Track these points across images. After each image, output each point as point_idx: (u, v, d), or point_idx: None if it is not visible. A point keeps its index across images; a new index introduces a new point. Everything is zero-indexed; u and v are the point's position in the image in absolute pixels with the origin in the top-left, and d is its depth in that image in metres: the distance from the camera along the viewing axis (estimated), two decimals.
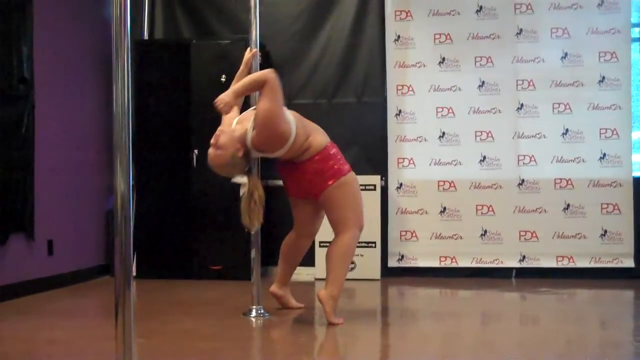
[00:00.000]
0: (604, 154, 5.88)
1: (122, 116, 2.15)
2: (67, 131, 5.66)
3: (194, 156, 5.95)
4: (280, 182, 6.25)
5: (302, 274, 6.10)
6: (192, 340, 3.74)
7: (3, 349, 3.65)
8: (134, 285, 3.19)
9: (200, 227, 5.98)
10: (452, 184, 6.03)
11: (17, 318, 4.43)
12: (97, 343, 3.71)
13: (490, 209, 5.98)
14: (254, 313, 4.32)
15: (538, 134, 5.96)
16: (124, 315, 2.12)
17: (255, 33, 4.42)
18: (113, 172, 2.11)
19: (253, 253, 4.38)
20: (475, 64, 6.04)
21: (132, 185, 2.19)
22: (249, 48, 4.47)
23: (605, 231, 5.85)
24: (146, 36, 6.47)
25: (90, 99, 6.04)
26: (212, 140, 4.09)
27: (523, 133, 5.98)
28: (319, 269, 5.93)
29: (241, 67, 4.47)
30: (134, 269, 5.47)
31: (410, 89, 6.12)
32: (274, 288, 4.55)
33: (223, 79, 5.87)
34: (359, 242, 5.82)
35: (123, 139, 2.15)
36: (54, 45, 5.45)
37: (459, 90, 6.06)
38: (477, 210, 5.99)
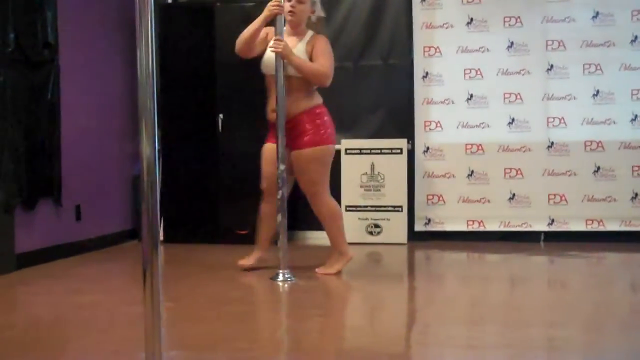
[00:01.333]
0: (636, 116, 5.76)
1: (147, 81, 2.12)
2: (92, 96, 5.65)
3: (219, 121, 5.93)
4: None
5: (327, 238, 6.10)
6: (220, 304, 3.75)
7: (34, 313, 3.70)
8: (161, 249, 3.17)
9: (226, 192, 5.97)
10: (480, 147, 5.96)
11: (47, 282, 4.48)
12: (124, 307, 3.74)
13: (519, 172, 5.90)
14: (280, 277, 4.32)
15: (568, 95, 5.85)
16: (151, 279, 2.11)
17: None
18: (139, 137, 2.09)
19: (279, 217, 4.37)
20: (504, 24, 5.92)
21: (158, 150, 2.16)
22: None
23: (636, 194, 5.76)
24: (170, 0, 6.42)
25: (115, 64, 6.02)
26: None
27: (553, 94, 5.87)
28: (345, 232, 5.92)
29: (263, 16, 4.37)
30: (160, 233, 5.52)
31: (438, 50, 6.03)
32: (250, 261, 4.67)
33: None
34: (384, 206, 5.80)
35: (148, 104, 2.12)
36: (77, 9, 5.42)
37: (487, 51, 5.95)
38: (505, 173, 5.92)
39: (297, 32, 4.49)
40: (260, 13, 4.45)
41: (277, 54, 4.29)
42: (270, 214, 4.53)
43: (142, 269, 2.13)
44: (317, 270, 4.55)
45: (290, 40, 4.42)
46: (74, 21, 5.34)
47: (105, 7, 5.88)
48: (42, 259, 4.95)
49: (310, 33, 4.51)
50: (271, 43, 4.34)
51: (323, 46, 4.46)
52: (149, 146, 2.11)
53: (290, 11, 4.41)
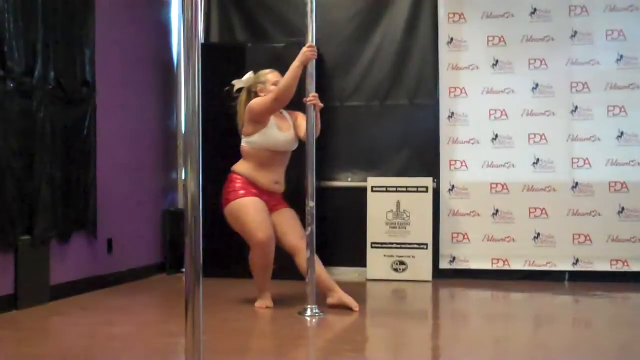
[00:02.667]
0: None
1: (193, 119, 2.22)
2: (126, 132, 5.81)
3: None
4: (334, 184, 6.37)
5: (353, 274, 6.17)
6: (249, 338, 3.83)
7: (66, 344, 3.79)
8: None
9: None
10: (505, 186, 6.02)
11: (79, 313, 4.58)
12: (155, 339, 3.83)
13: (543, 211, 5.95)
14: (308, 312, 4.39)
15: (592, 136, 5.91)
16: (193, 312, 2.20)
17: (311, 36, 4.48)
18: (184, 173, 2.19)
19: (308, 253, 4.45)
20: (529, 66, 6.02)
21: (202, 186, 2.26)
22: (306, 45, 4.47)
23: None
24: (202, 39, 6.60)
25: (149, 101, 6.20)
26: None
27: (577, 135, 5.94)
28: (370, 268, 6.00)
29: (299, 61, 4.45)
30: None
31: (463, 91, 6.13)
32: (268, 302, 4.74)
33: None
34: (410, 243, 5.87)
35: (193, 142, 2.22)
36: (114, 48, 5.61)
37: (512, 92, 6.05)
38: (529, 212, 5.97)
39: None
40: (289, 53, 4.58)
41: (315, 106, 4.52)
42: (270, 264, 4.68)
43: (185, 301, 2.22)
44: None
45: (281, 122, 4.73)
46: (110, 60, 5.52)
47: (141, 46, 6.07)
48: (75, 290, 5.06)
49: (283, 111, 4.80)
50: (309, 99, 4.49)
51: (301, 116, 4.76)
52: (194, 182, 2.22)
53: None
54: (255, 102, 4.61)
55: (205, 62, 2.25)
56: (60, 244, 4.95)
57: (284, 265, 5.58)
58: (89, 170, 5.20)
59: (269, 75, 4.75)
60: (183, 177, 5.59)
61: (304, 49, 4.43)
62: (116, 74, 5.65)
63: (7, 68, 4.39)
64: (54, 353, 3.60)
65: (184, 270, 4.84)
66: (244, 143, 4.73)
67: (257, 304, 4.71)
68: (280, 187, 4.76)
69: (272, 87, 4.63)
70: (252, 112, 4.61)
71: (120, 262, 5.67)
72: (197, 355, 2.19)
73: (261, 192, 4.66)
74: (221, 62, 6.22)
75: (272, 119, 4.65)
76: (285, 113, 4.79)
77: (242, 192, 4.63)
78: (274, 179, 4.70)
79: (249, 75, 4.79)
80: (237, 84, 4.81)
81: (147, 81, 6.19)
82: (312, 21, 4.49)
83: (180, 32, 6.37)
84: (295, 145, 4.76)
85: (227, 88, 4.84)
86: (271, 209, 4.69)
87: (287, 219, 4.73)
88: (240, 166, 4.73)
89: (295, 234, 4.64)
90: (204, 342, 3.61)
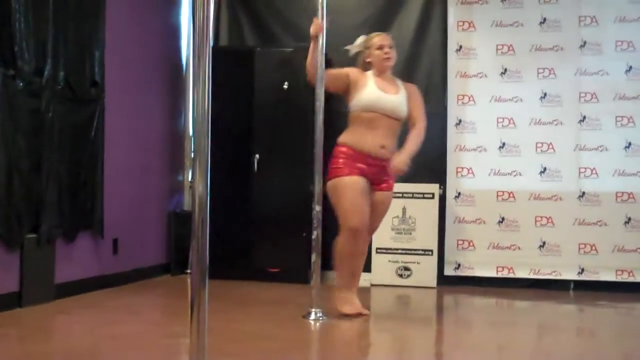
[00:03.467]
0: None
1: (202, 121, 2.23)
2: (134, 133, 5.83)
3: (255, 161, 6.07)
4: None
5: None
6: (252, 340, 3.83)
7: (69, 342, 3.81)
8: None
9: (259, 230, 6.08)
10: (512, 195, 6.02)
11: (84, 312, 4.60)
12: (159, 339, 3.84)
13: (550, 220, 5.95)
14: (313, 316, 4.39)
15: (600, 146, 5.91)
16: (199, 313, 2.20)
17: (321, 42, 4.50)
18: (192, 174, 2.20)
19: (313, 257, 4.45)
20: (538, 75, 6.02)
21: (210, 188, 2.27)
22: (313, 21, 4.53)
23: None
24: (212, 43, 6.61)
25: (157, 103, 6.22)
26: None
27: (585, 145, 5.93)
28: (375, 273, 6.00)
29: (312, 45, 4.53)
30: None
31: (471, 99, 6.14)
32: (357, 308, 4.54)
33: (285, 86, 6.00)
34: (415, 250, 5.86)
35: (202, 144, 2.24)
36: (123, 50, 5.63)
37: (521, 101, 6.05)
38: (536, 221, 5.96)
39: (386, 76, 4.64)
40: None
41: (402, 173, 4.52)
42: (360, 254, 4.55)
43: (190, 302, 2.22)
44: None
45: (386, 86, 4.59)
46: (120, 61, 5.54)
47: (150, 48, 6.09)
48: (79, 289, 5.07)
49: (396, 79, 4.70)
50: (398, 166, 4.40)
51: (418, 98, 4.70)
52: (202, 184, 2.22)
53: (387, 58, 4.61)
54: None
55: (214, 66, 2.26)
56: (66, 243, 4.97)
57: (286, 268, 5.62)
58: (96, 170, 5.21)
59: (375, 39, 4.68)
60: (190, 179, 5.62)
61: (313, 23, 4.50)
62: (125, 75, 5.67)
63: (17, 67, 4.40)
64: (57, 351, 3.61)
65: (188, 271, 4.84)
66: (349, 111, 4.63)
67: (345, 309, 4.48)
68: (386, 153, 4.47)
69: (377, 52, 4.60)
70: None
71: (125, 263, 5.68)
72: (202, 356, 2.19)
73: (367, 163, 4.46)
74: (230, 66, 6.24)
75: (373, 81, 4.56)
76: (398, 81, 4.70)
77: (345, 169, 4.44)
78: (380, 142, 4.46)
79: (360, 39, 4.75)
80: (351, 48, 4.79)
81: (156, 83, 6.21)
82: (322, 26, 4.51)
83: (191, 35, 6.38)
84: (400, 113, 4.55)
85: (347, 47, 4.81)
86: (376, 184, 4.51)
87: (381, 204, 4.57)
88: (344, 135, 4.58)
89: (372, 222, 4.55)
90: (208, 343, 3.63)
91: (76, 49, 4.96)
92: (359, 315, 4.48)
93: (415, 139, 4.54)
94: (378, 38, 4.67)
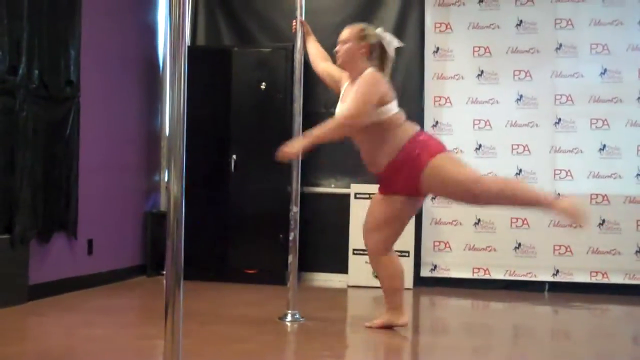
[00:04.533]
0: None
1: (177, 122, 2.22)
2: (109, 133, 5.78)
3: (232, 161, 6.04)
4: (318, 189, 6.36)
5: (334, 280, 6.19)
6: (228, 343, 3.81)
7: (45, 344, 3.76)
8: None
9: (236, 231, 6.06)
10: None
11: (58, 314, 4.55)
12: (134, 341, 3.81)
13: (525, 222, 5.98)
14: (289, 317, 4.38)
15: (575, 148, 5.96)
16: (173, 316, 2.19)
17: (300, 42, 4.50)
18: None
19: (290, 258, 4.44)
20: (514, 77, 6.06)
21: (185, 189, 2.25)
22: (293, 21, 4.55)
23: None
24: (188, 43, 6.58)
25: (133, 103, 6.17)
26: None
27: (560, 147, 5.98)
28: (352, 274, 5.99)
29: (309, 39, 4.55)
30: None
31: (448, 100, 6.16)
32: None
33: (263, 86, 5.98)
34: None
35: (177, 144, 2.22)
36: (99, 49, 5.58)
37: (497, 103, 6.08)
38: (511, 223, 6.00)
39: (352, 75, 4.15)
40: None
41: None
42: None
43: (165, 304, 2.21)
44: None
45: (348, 92, 4.14)
46: (95, 60, 5.49)
47: (127, 48, 6.05)
48: (54, 291, 5.02)
49: (366, 71, 4.06)
50: (283, 148, 3.92)
51: (361, 87, 3.99)
52: (177, 184, 2.21)
53: (336, 51, 4.21)
54: None
55: (190, 66, 2.25)
56: (40, 243, 4.92)
57: (263, 269, 5.59)
58: (71, 170, 5.16)
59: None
60: (166, 179, 5.59)
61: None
62: (101, 74, 5.62)
63: None
64: (31, 353, 3.57)
65: (164, 272, 4.81)
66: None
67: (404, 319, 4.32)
68: (380, 166, 4.16)
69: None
70: None
71: (100, 264, 5.63)
72: (176, 358, 2.17)
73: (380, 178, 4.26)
74: (207, 65, 6.22)
75: (342, 91, 4.25)
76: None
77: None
78: (366, 161, 4.27)
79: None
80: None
81: (133, 82, 6.17)
82: (301, 26, 4.51)
83: (167, 35, 6.36)
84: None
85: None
86: (406, 185, 4.15)
87: (432, 180, 4.12)
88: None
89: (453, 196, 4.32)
90: (182, 345, 3.61)
91: (51, 48, 4.91)
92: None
93: (319, 127, 4.00)
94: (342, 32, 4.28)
